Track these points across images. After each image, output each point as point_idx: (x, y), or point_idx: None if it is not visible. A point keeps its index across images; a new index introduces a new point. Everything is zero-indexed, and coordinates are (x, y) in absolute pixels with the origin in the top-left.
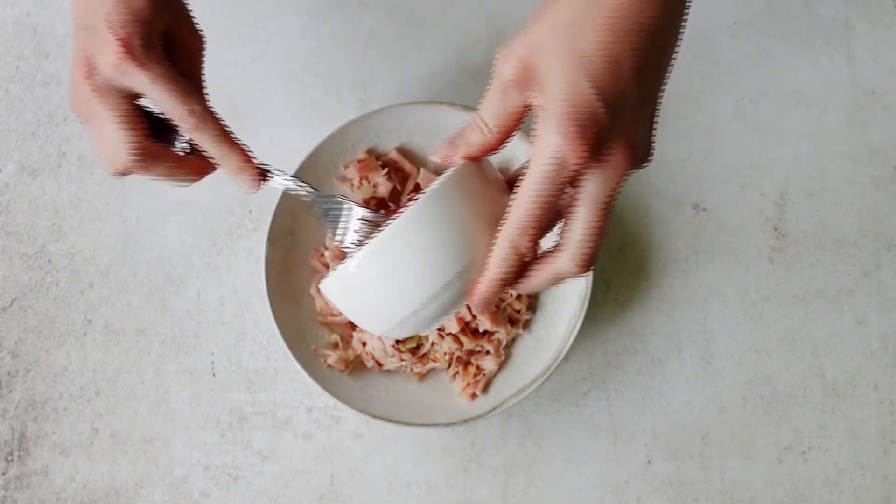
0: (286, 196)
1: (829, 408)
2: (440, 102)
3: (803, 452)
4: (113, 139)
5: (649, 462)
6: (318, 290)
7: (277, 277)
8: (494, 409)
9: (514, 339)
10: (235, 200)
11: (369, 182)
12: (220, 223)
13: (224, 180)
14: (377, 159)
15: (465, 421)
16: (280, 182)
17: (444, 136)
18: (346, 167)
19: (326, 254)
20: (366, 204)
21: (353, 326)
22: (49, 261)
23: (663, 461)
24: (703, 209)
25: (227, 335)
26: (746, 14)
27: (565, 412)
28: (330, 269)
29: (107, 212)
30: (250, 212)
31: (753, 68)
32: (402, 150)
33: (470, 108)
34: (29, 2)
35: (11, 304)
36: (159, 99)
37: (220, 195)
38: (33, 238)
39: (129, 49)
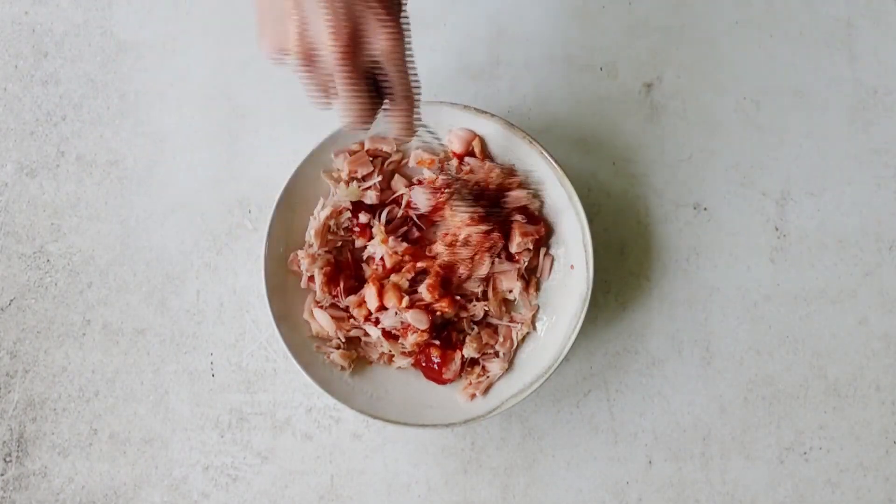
0: (286, 196)
1: (831, 408)
2: (440, 102)
3: (805, 453)
4: (352, 100)
5: (650, 462)
6: (312, 315)
7: (277, 277)
8: (494, 409)
9: (523, 339)
10: (235, 200)
11: (357, 182)
12: (219, 223)
13: (223, 180)
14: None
15: (465, 421)
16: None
17: (444, 134)
18: (336, 155)
19: (300, 253)
20: (356, 204)
21: (357, 342)
22: (48, 261)
23: (664, 462)
24: (704, 209)
25: (226, 335)
26: (748, 13)
27: (566, 412)
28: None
29: (106, 212)
30: (249, 211)
31: (755, 68)
32: (375, 139)
33: (470, 107)
34: (27, 1)
35: (10, 304)
36: (396, 76)
37: (219, 195)
38: (32, 238)
39: (400, 38)
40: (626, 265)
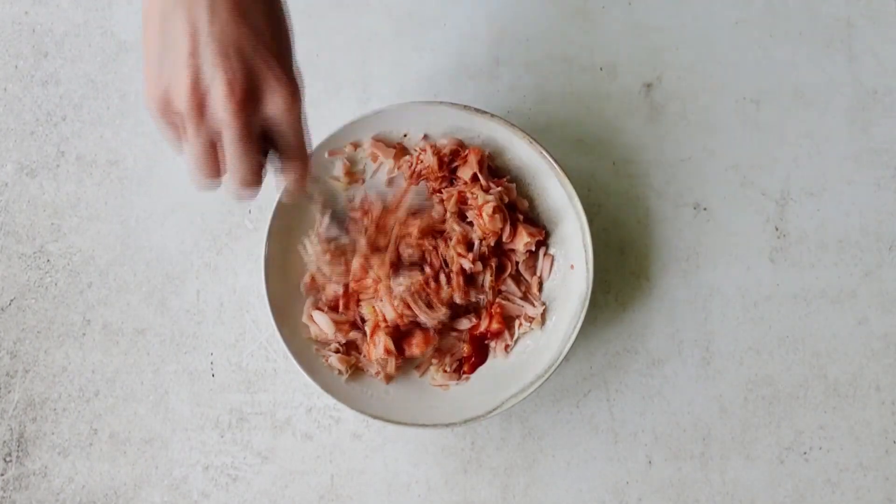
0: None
1: (831, 408)
2: (440, 102)
3: (804, 453)
4: (241, 161)
5: (650, 462)
6: (311, 318)
7: (277, 277)
8: (494, 409)
9: (524, 333)
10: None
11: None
12: (219, 223)
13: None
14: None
15: (465, 421)
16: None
17: (443, 135)
18: (329, 155)
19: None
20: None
21: (357, 350)
22: (48, 261)
23: (664, 462)
24: (704, 209)
25: (226, 335)
26: (747, 13)
27: (566, 412)
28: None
29: (106, 212)
30: (249, 212)
31: (754, 68)
32: (378, 138)
33: (469, 107)
34: (27, 1)
35: (10, 304)
36: (291, 135)
37: (219, 195)
38: (32, 238)
39: (297, 97)
40: (626, 265)
